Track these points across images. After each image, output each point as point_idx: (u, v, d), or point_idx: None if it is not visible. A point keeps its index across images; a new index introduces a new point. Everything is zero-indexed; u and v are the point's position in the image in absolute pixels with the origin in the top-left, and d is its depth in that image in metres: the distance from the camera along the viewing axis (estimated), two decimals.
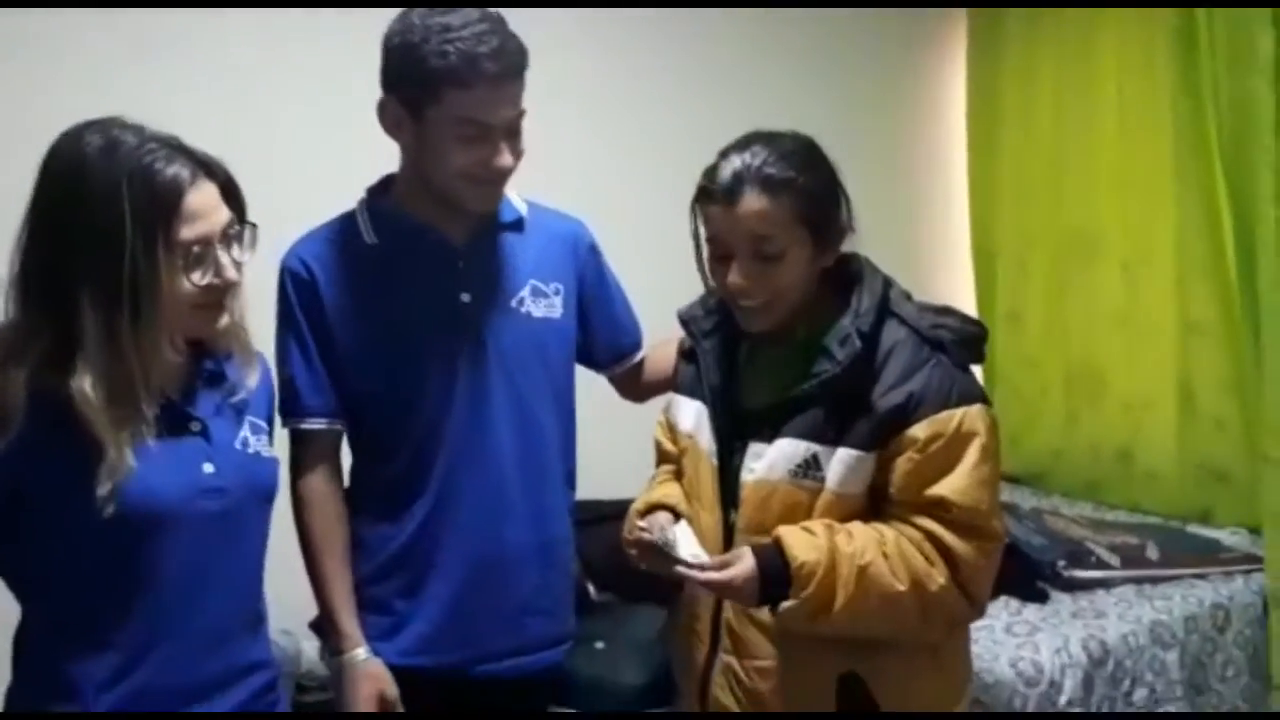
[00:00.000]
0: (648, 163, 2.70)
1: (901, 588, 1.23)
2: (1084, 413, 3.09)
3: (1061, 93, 3.08)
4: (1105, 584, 2.33)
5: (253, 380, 1.30)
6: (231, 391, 1.27)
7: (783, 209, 1.27)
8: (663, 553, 1.30)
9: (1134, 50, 2.87)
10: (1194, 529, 2.69)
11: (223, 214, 1.17)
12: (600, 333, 1.64)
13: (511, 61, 1.35)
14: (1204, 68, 2.66)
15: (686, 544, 1.31)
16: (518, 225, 1.54)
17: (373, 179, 1.54)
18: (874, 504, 1.30)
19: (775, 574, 1.24)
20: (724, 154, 1.31)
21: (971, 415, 1.27)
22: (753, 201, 1.27)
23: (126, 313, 1.09)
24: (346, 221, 1.50)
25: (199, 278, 1.14)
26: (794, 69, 2.99)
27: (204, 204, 1.14)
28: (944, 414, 1.26)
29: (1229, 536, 2.61)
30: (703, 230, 1.35)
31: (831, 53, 3.11)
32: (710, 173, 1.31)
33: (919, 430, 1.25)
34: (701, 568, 1.27)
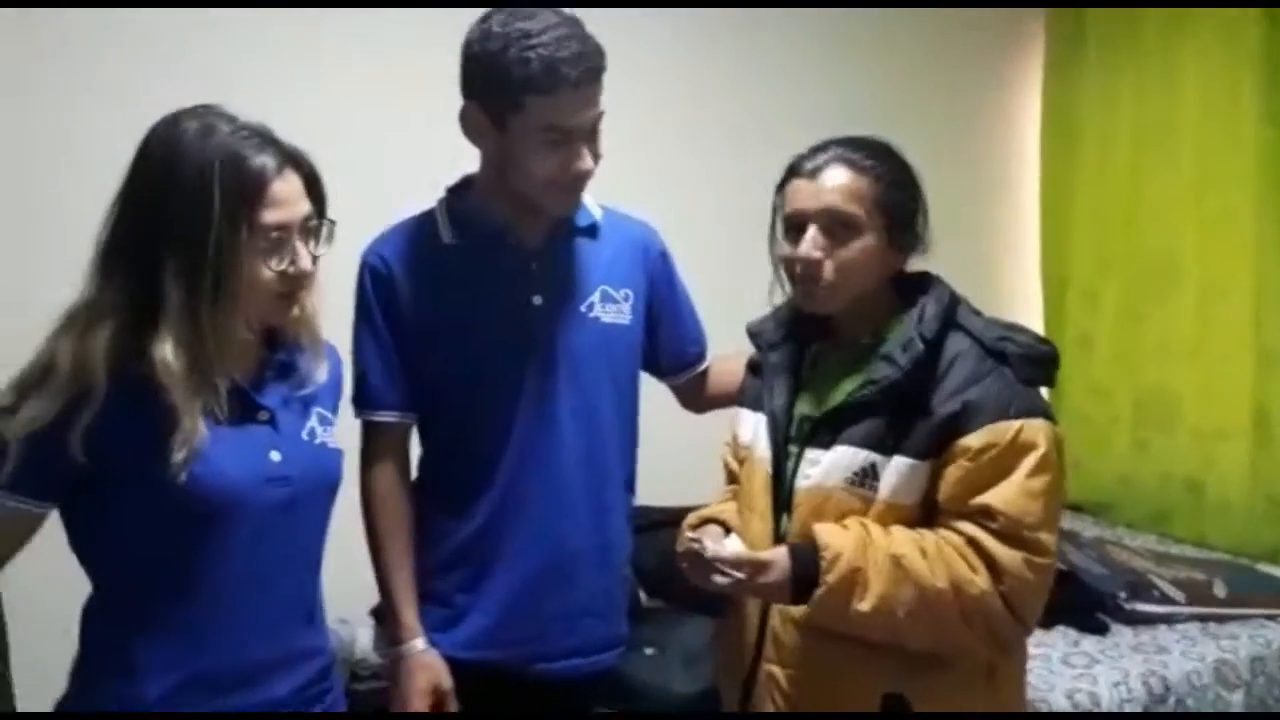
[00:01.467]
0: (715, 174, 2.71)
1: (940, 585, 1.20)
2: (1154, 441, 3.02)
3: (1140, 117, 3.03)
4: (1168, 619, 2.27)
5: (322, 374, 1.33)
6: (301, 384, 1.30)
7: (864, 189, 1.31)
8: (709, 566, 1.30)
9: (1217, 77, 2.81)
10: (1265, 567, 2.60)
11: (304, 205, 1.21)
12: (666, 340, 1.65)
13: (591, 64, 1.36)
14: None
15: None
16: (592, 230, 1.56)
17: (452, 178, 1.56)
18: (927, 517, 1.29)
19: (807, 566, 1.23)
20: (809, 148, 1.36)
21: (1031, 428, 1.24)
22: (838, 175, 1.31)
23: (208, 288, 1.14)
24: (426, 220, 1.53)
25: (276, 263, 1.18)
26: (865, 83, 2.97)
27: (288, 193, 1.18)
28: (1001, 424, 1.24)
29: None
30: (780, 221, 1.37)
31: (904, 68, 3.08)
32: (797, 157, 1.37)
33: (973, 439, 1.24)
34: (736, 566, 1.26)
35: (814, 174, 1.32)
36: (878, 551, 1.22)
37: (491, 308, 1.49)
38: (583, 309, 1.52)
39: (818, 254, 1.30)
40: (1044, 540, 1.24)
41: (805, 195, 1.32)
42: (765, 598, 1.33)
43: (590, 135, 1.41)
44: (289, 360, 1.30)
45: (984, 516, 1.23)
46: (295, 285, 1.22)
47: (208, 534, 1.19)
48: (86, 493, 1.17)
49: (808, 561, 1.23)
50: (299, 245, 1.20)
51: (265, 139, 1.19)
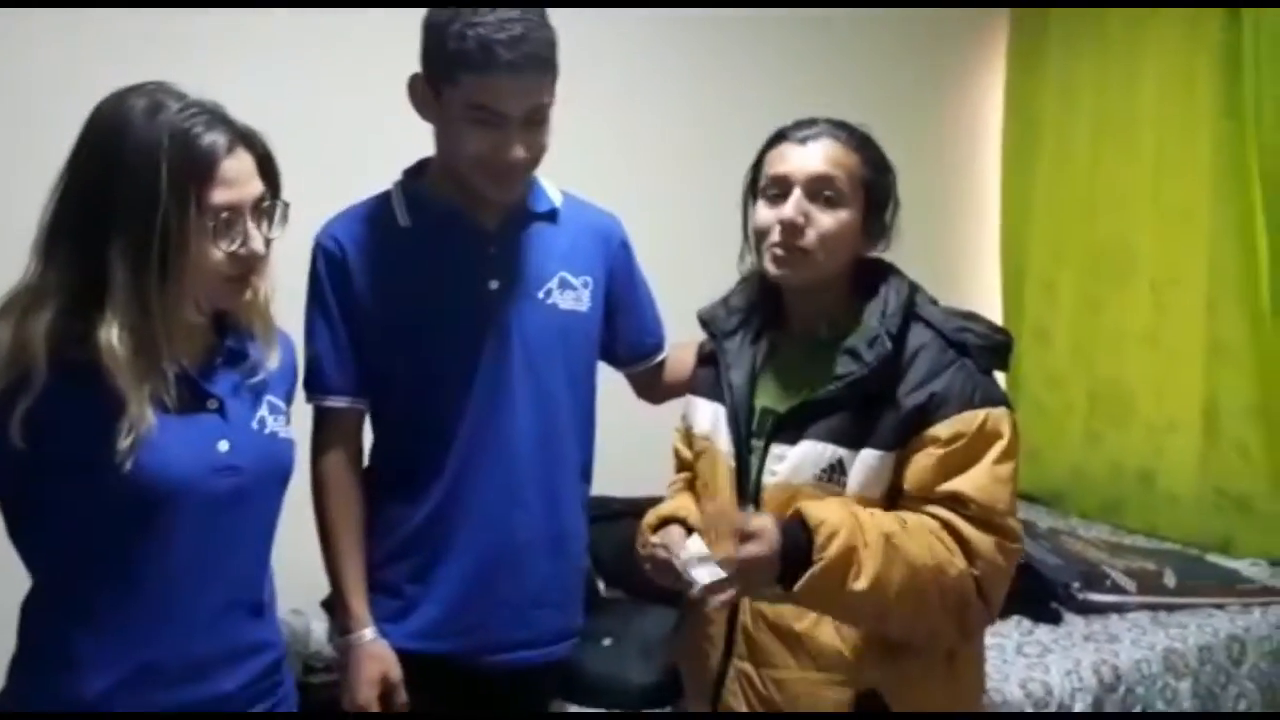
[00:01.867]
0: (672, 166, 2.69)
1: (928, 561, 1.20)
2: (1107, 433, 3.06)
3: (1100, 108, 3.05)
4: (1120, 609, 2.31)
5: (273, 361, 1.30)
6: (252, 371, 1.27)
7: (852, 160, 1.33)
8: (675, 571, 1.28)
9: (1176, 69, 2.84)
10: (1213, 558, 2.65)
11: (255, 186, 1.18)
12: (624, 330, 1.63)
13: (531, 52, 1.33)
14: (1247, 89, 2.63)
15: (699, 559, 1.26)
16: (551, 216, 1.54)
17: (410, 161, 1.54)
18: (890, 508, 1.28)
19: (794, 545, 1.17)
20: (796, 121, 1.38)
21: (995, 416, 1.26)
22: (828, 144, 1.33)
23: (154, 269, 1.10)
24: (381, 202, 1.51)
25: (226, 245, 1.15)
26: (824, 74, 2.96)
27: (238, 172, 1.15)
28: (967, 413, 1.25)
29: (1249, 567, 2.57)
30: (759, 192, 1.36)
31: (864, 61, 3.08)
32: (785, 126, 1.37)
33: (941, 429, 1.25)
34: (720, 589, 1.21)
35: (804, 140, 1.33)
36: (868, 530, 1.19)
37: (447, 291, 1.47)
38: (540, 295, 1.50)
39: (801, 218, 1.30)
40: (1012, 526, 1.26)
41: (795, 159, 1.33)
42: (746, 575, 1.20)
43: (526, 125, 1.38)
44: (239, 348, 1.27)
45: (955, 503, 1.24)
46: (245, 267, 1.18)
47: (152, 524, 1.15)
48: (27, 481, 1.14)
49: (797, 538, 1.18)
50: (250, 226, 1.17)
51: (215, 116, 1.15)
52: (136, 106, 1.12)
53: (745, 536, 1.19)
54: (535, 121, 1.39)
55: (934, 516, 1.24)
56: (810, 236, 1.31)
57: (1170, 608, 2.33)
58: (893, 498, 1.29)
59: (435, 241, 1.47)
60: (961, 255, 3.42)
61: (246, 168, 1.17)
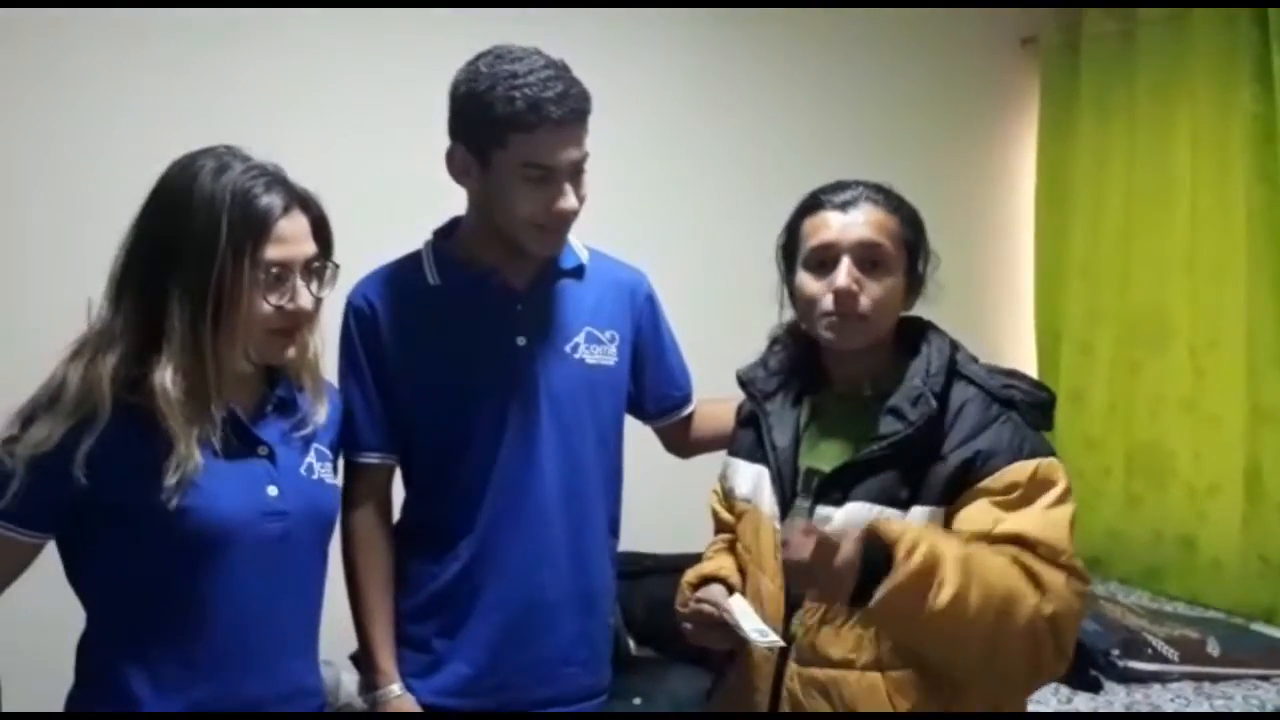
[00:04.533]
0: (702, 222, 2.72)
1: (1005, 587, 1.12)
2: (1146, 497, 3.00)
3: (1133, 174, 3.05)
4: (1161, 678, 2.24)
5: (322, 414, 1.36)
6: (301, 423, 1.33)
7: (893, 223, 1.33)
8: (723, 626, 1.26)
9: (1209, 135, 2.84)
10: (1259, 627, 2.58)
11: (308, 246, 1.25)
12: (651, 384, 1.65)
13: (574, 105, 1.38)
14: None
15: (746, 618, 1.26)
16: (578, 272, 1.57)
17: (441, 220, 1.58)
18: None
19: (871, 561, 1.10)
20: (827, 185, 1.37)
21: (1047, 466, 1.24)
22: (869, 209, 1.32)
23: (208, 316, 1.17)
24: (411, 262, 1.54)
25: (275, 299, 1.22)
26: (865, 139, 3.00)
27: (293, 232, 1.23)
28: (1018, 464, 1.23)
29: None
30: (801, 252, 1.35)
31: (901, 126, 3.12)
32: (819, 190, 1.37)
33: (992, 481, 1.22)
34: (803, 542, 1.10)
35: (845, 207, 1.32)
36: (948, 547, 1.11)
37: (476, 349, 1.49)
38: (567, 349, 1.52)
39: (855, 285, 1.30)
40: (1080, 566, 1.21)
41: (838, 227, 1.32)
42: (821, 589, 1.17)
43: (573, 176, 1.42)
44: (288, 396, 1.33)
45: (1019, 543, 1.19)
46: (292, 322, 1.25)
47: (204, 566, 1.20)
48: (85, 521, 1.19)
49: (871, 556, 1.11)
50: (299, 284, 1.23)
51: (275, 179, 1.24)
52: (206, 167, 1.21)
53: (827, 549, 1.10)
54: (579, 172, 1.43)
55: (1003, 552, 1.17)
56: (865, 303, 1.30)
57: (1214, 678, 2.26)
58: None
59: (464, 300, 1.50)
60: (996, 316, 3.41)
61: (301, 228, 1.24)
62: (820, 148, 2.88)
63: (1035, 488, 1.22)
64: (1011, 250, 3.43)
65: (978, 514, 1.22)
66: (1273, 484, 2.68)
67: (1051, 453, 1.28)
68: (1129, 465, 3.05)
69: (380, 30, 2.34)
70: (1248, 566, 2.72)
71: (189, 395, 1.18)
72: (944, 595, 1.08)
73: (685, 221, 2.72)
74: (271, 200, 1.21)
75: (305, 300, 1.24)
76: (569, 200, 1.41)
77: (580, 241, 1.59)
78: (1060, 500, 1.23)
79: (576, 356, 1.52)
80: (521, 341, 1.49)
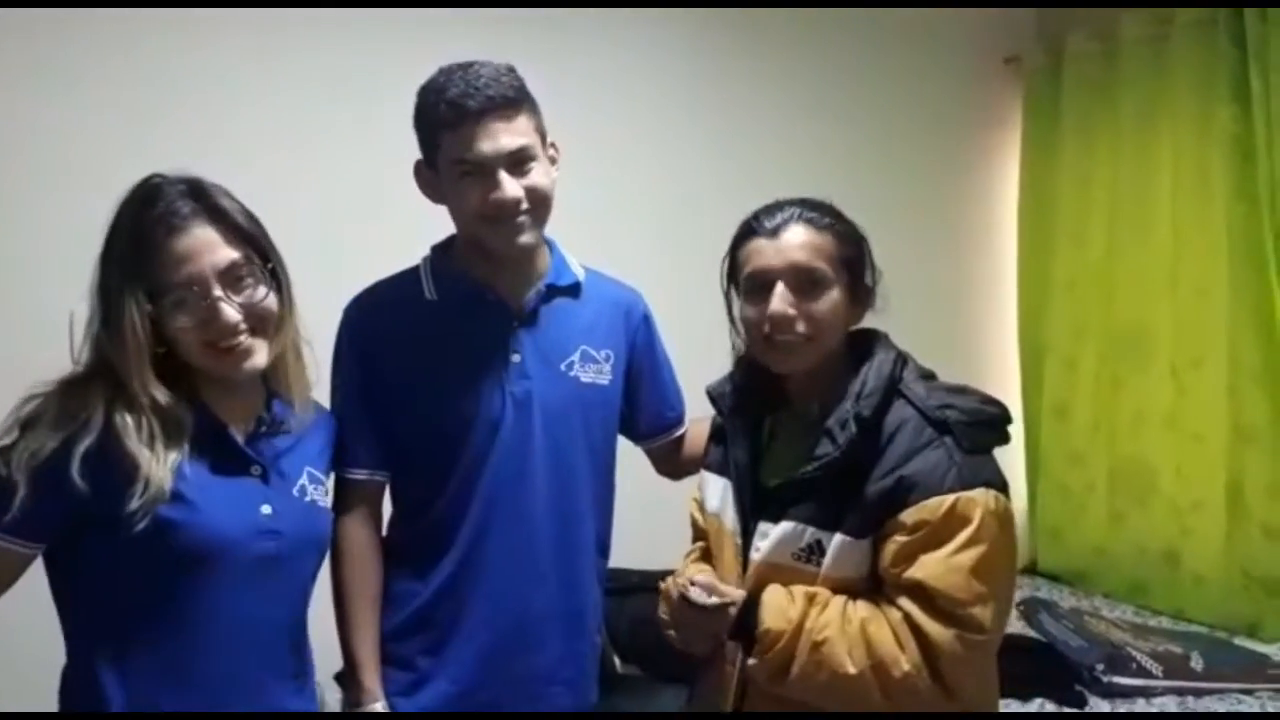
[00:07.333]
0: (694, 242, 2.70)
1: (851, 670, 1.20)
2: (1130, 512, 3.03)
3: (1115, 192, 3.09)
4: (1145, 692, 2.26)
5: (309, 426, 1.35)
6: (295, 445, 1.33)
7: (826, 243, 1.32)
8: (692, 608, 1.29)
9: (1189, 154, 2.88)
10: (1241, 641, 2.60)
11: (218, 255, 1.20)
12: (645, 404, 1.65)
13: (494, 94, 1.38)
14: (1260, 174, 2.66)
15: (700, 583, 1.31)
16: (574, 290, 1.56)
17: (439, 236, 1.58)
18: (875, 588, 1.26)
19: (748, 628, 1.26)
20: (761, 208, 1.38)
21: (966, 501, 1.20)
22: (799, 233, 1.32)
23: (132, 352, 1.17)
24: (409, 276, 1.54)
25: (186, 320, 1.19)
26: (845, 159, 3.02)
27: (190, 247, 1.19)
28: (933, 500, 1.20)
29: (1278, 652, 2.51)
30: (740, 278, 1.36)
31: (885, 147, 3.14)
32: (752, 217, 1.37)
33: (907, 516, 1.21)
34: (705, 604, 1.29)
35: (775, 232, 1.32)
36: (805, 635, 1.23)
37: (471, 364, 1.49)
38: (562, 367, 1.52)
39: (791, 310, 1.29)
40: (977, 616, 1.19)
41: (769, 254, 1.31)
42: (688, 646, 1.36)
43: (511, 166, 1.40)
44: (283, 418, 1.32)
45: (917, 592, 1.20)
46: (220, 335, 1.21)
47: (195, 583, 1.19)
48: (78, 532, 1.17)
49: (748, 625, 1.26)
50: (217, 294, 1.19)
51: (185, 193, 1.20)
52: (132, 192, 1.21)
53: (719, 611, 1.28)
54: (520, 162, 1.41)
55: (899, 608, 1.22)
56: (801, 326, 1.30)
57: (1198, 692, 2.28)
58: (875, 579, 1.26)
59: (460, 315, 1.50)
60: (981, 332, 3.44)
61: (201, 241, 1.19)
62: (806, 166, 2.88)
63: (946, 527, 1.20)
64: (995, 266, 3.46)
65: (888, 558, 1.23)
66: (1254, 500, 2.70)
67: (984, 481, 1.23)
68: (1112, 481, 3.08)
69: (382, 32, 2.33)
70: (1231, 582, 2.74)
71: (140, 424, 1.16)
72: (796, 681, 1.23)
73: (680, 241, 2.71)
74: (151, 224, 1.17)
75: (228, 313, 1.19)
76: (505, 190, 1.40)
77: (577, 260, 1.59)
78: (969, 543, 1.19)
79: (571, 375, 1.52)
80: (516, 358, 1.49)
